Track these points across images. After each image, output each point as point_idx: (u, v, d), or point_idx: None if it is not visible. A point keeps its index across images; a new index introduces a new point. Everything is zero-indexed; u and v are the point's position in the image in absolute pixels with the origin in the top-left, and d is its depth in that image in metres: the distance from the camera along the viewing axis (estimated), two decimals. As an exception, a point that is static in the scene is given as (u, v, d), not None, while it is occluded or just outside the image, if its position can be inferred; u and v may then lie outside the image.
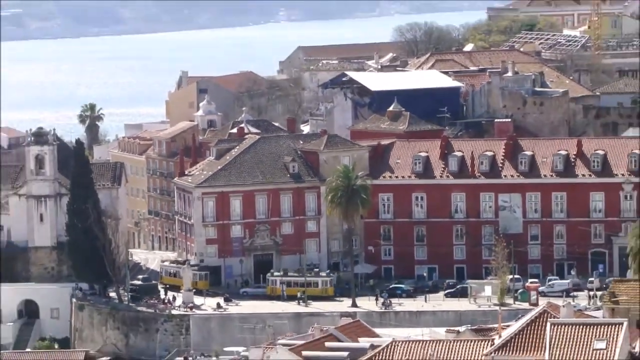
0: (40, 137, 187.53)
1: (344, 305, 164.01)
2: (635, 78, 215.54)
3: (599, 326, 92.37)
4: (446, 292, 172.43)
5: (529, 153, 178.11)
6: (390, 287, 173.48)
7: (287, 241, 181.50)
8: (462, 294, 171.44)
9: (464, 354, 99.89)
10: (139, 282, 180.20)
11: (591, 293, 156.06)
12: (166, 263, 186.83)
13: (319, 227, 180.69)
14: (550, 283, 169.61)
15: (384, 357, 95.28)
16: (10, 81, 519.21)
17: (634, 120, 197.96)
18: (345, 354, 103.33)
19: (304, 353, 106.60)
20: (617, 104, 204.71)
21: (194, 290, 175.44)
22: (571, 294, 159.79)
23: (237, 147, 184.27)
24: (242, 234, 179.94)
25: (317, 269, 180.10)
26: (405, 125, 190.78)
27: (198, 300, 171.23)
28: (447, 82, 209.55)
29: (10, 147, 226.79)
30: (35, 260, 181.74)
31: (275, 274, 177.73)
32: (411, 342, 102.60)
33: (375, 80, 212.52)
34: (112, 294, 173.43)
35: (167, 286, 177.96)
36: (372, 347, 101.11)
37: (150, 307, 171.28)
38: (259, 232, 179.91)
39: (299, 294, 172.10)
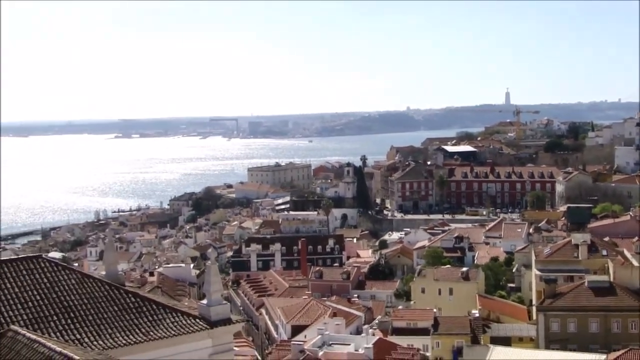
0: (348, 164, 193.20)
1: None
2: (530, 149, 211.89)
3: (520, 225, 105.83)
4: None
5: (498, 170, 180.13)
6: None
7: (422, 197, 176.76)
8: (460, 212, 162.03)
9: (476, 231, 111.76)
10: (377, 208, 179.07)
11: (518, 214, 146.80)
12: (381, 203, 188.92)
13: (433, 192, 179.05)
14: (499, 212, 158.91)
15: (450, 235, 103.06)
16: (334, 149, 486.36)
17: (531, 161, 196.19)
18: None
19: (421, 227, 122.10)
20: (528, 155, 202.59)
21: (394, 210, 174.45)
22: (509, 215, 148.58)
23: (408, 168, 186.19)
24: (409, 194, 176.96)
25: (469, 206, 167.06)
26: (458, 162, 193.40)
27: (396, 214, 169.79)
28: (471, 149, 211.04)
29: (338, 167, 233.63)
30: (345, 201, 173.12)
31: (467, 208, 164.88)
32: (462, 228, 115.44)
33: (450, 149, 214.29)
34: (369, 212, 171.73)
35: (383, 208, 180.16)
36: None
37: (381, 216, 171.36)
38: (413, 194, 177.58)
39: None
